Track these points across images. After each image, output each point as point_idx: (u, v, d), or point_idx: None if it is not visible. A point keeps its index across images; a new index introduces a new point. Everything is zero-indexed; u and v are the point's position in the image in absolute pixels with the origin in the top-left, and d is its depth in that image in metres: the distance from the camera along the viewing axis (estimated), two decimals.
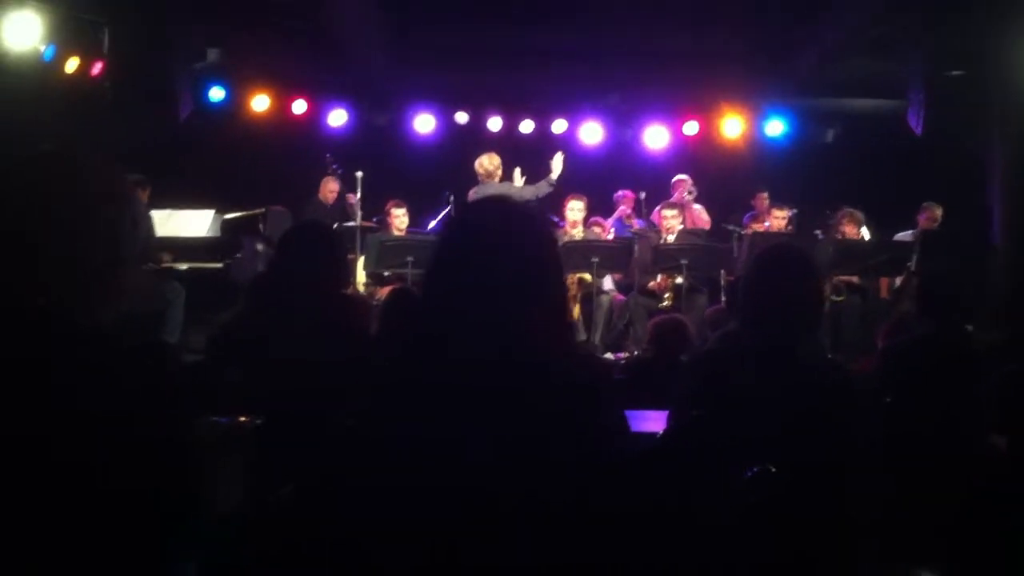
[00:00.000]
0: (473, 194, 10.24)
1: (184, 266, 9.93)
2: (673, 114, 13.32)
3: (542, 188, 10.52)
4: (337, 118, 13.27)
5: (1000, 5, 9.61)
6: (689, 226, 10.91)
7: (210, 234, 10.39)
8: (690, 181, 11.59)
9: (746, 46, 12.45)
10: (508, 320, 2.10)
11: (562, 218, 10.77)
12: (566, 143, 12.99)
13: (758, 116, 13.21)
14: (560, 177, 10.58)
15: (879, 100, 12.67)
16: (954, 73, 10.36)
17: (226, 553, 2.42)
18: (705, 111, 13.23)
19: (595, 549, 2.07)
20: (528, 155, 11.35)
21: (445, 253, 2.23)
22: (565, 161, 10.66)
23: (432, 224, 11.17)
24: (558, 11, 11.86)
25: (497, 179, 10.44)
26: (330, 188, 11.68)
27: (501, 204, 2.37)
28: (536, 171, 10.74)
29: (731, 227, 11.21)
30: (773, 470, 2.91)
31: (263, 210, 10.74)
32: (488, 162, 10.47)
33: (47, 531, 1.79)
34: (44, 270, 1.90)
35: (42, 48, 9.39)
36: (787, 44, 12.17)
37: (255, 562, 2.71)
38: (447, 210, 10.91)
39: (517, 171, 10.75)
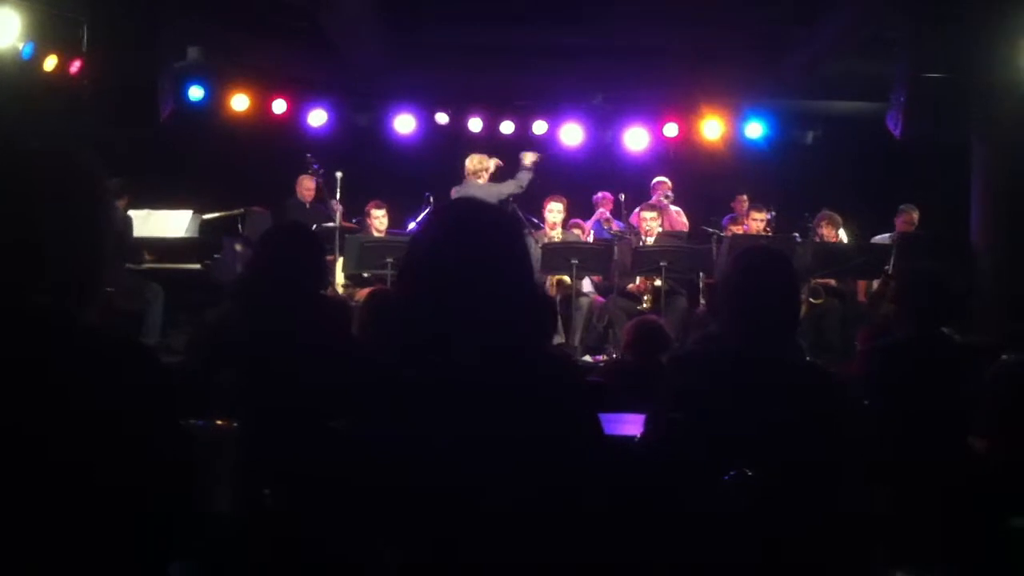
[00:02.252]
0: (454, 192, 10.24)
1: (163, 266, 9.91)
2: (653, 116, 13.34)
3: (523, 177, 10.51)
4: (317, 118, 13.24)
5: (982, 8, 9.65)
6: (667, 228, 10.93)
7: (189, 235, 10.37)
8: (669, 183, 11.60)
9: (729, 48, 12.47)
10: (485, 321, 2.11)
11: (541, 219, 10.78)
12: (547, 144, 13.01)
13: (738, 118, 13.24)
14: (536, 165, 10.60)
15: (859, 103, 12.71)
16: (934, 76, 10.39)
17: (217, 554, 2.41)
18: (685, 113, 13.25)
19: (575, 549, 2.07)
20: (509, 156, 11.35)
21: (419, 255, 2.23)
22: (543, 160, 10.68)
23: (412, 225, 11.16)
24: (541, 11, 11.86)
25: (481, 179, 10.42)
26: (306, 187, 11.64)
27: (472, 204, 2.38)
28: (516, 172, 10.75)
29: (710, 229, 11.25)
30: (749, 474, 2.91)
31: (242, 210, 10.71)
32: (478, 162, 10.47)
33: (39, 529, 1.78)
34: (34, 268, 1.89)
35: (20, 46, 9.36)
36: (768, 47, 12.21)
37: (246, 563, 2.70)
38: (427, 211, 10.88)
39: (495, 162, 10.71)
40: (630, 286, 10.23)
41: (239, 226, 10.59)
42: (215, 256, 9.98)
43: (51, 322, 1.88)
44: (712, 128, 13.16)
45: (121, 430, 1.85)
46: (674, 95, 13.14)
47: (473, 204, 2.36)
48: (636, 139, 13.34)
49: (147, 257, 9.83)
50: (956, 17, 9.77)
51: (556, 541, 2.05)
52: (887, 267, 9.77)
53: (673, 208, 11.51)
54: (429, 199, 10.94)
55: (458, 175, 10.62)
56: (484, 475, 2.02)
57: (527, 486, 2.03)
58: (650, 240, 10.37)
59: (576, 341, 10.09)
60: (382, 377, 2.15)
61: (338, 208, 10.83)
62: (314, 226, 9.74)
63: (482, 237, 2.20)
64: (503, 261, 2.19)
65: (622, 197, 11.48)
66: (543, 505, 2.04)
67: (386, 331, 2.24)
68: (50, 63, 9.87)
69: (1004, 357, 4.72)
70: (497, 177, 10.66)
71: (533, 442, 2.06)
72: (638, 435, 3.42)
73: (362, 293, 9.34)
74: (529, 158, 10.65)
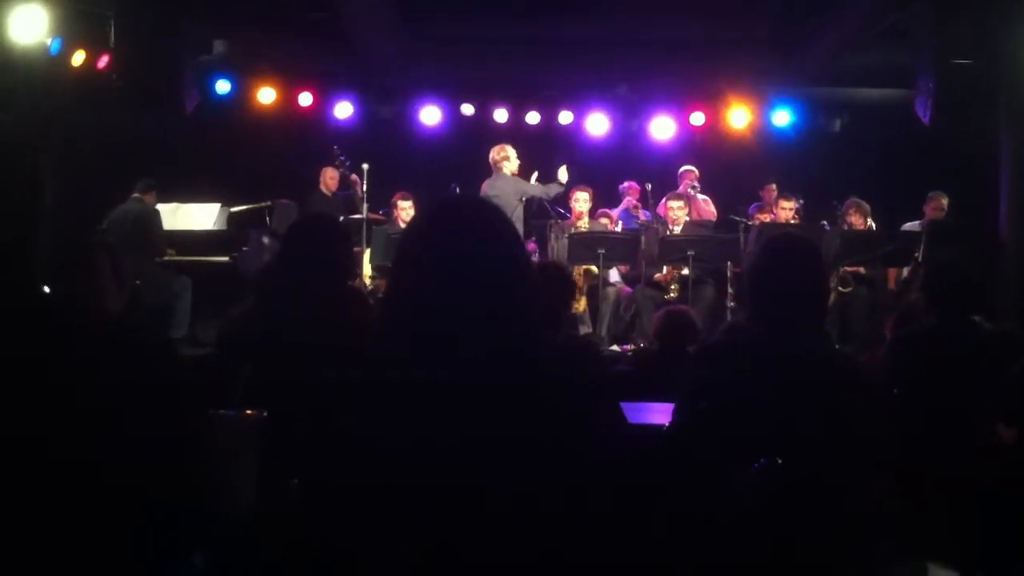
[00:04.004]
0: (485, 186, 10.25)
1: (192, 259, 9.97)
2: (679, 105, 13.28)
3: (552, 188, 10.55)
4: (343, 110, 13.24)
5: None
6: (695, 218, 10.90)
7: (216, 227, 10.43)
8: (695, 173, 11.56)
9: (754, 36, 12.42)
10: (494, 315, 2.10)
11: (568, 210, 10.78)
12: (572, 134, 13.03)
13: (765, 106, 13.16)
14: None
15: (887, 90, 12.63)
16: (962, 62, 10.31)
17: (237, 548, 2.42)
18: (711, 102, 13.18)
19: (598, 543, 2.07)
20: (535, 147, 11.35)
21: (411, 249, 2.22)
22: (572, 155, 10.71)
23: None
24: (564, 1, 11.85)
25: (505, 169, 10.39)
26: (330, 176, 11.67)
27: (461, 198, 2.39)
28: (544, 163, 10.75)
29: (738, 218, 11.20)
30: (780, 462, 2.90)
31: (269, 203, 10.76)
32: (497, 152, 10.45)
33: (54, 527, 1.78)
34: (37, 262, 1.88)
35: (48, 41, 9.41)
36: (795, 34, 12.14)
37: (265, 557, 2.71)
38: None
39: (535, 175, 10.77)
40: (657, 276, 10.21)
41: (267, 219, 10.64)
42: (243, 248, 10.04)
43: (53, 317, 1.87)
44: (739, 117, 13.07)
45: (128, 425, 1.85)
46: (700, 84, 13.06)
47: (463, 198, 2.36)
48: (662, 128, 13.28)
49: (171, 252, 9.90)
50: (981, 3, 9.70)
51: (572, 536, 2.04)
52: (917, 254, 9.72)
53: (700, 197, 11.46)
54: (455, 190, 10.93)
55: (484, 166, 10.61)
56: (492, 472, 2.02)
57: (537, 482, 2.03)
58: (677, 229, 10.33)
59: (603, 331, 10.10)
60: (389, 373, 2.14)
61: (357, 181, 10.83)
62: (341, 218, 9.77)
63: (473, 229, 2.20)
64: (495, 255, 2.18)
65: (648, 187, 11.46)
66: (566, 498, 2.04)
67: (385, 328, 2.21)
68: (78, 58, 9.91)
69: None
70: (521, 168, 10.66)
71: (541, 437, 2.05)
72: (665, 424, 3.41)
73: None
74: (563, 175, 10.69)
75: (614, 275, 10.71)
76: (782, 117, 13.16)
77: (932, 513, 4.14)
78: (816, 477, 2.96)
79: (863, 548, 3.06)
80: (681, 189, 11.19)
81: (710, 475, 3.03)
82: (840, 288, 9.82)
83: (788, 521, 2.92)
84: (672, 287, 10.08)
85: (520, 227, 10.16)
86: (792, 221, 10.72)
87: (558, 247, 10.40)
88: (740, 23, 12.27)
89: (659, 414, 3.88)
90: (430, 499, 2.00)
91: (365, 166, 10.76)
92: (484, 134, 12.30)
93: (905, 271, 10.22)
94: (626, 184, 11.99)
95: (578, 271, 10.27)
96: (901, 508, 3.76)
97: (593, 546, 2.06)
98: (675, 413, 3.35)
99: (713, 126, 13.29)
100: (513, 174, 10.45)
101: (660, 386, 4.33)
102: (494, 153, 10.46)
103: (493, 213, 2.27)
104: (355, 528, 2.05)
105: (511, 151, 10.48)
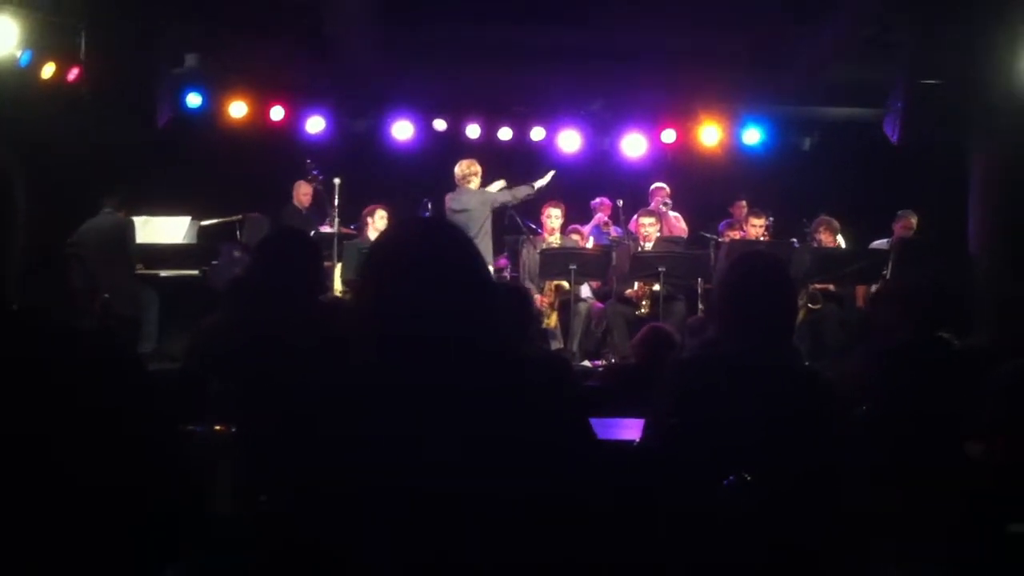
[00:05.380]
0: (449, 199, 10.19)
1: (161, 273, 9.92)
2: (651, 122, 13.32)
3: (521, 191, 10.48)
4: (315, 125, 13.21)
5: (979, 15, 9.67)
6: (666, 234, 10.93)
7: (186, 241, 10.37)
8: (667, 190, 11.60)
9: (725, 54, 12.47)
10: (473, 320, 2.12)
11: (540, 225, 10.79)
12: (544, 150, 13.03)
13: (735, 124, 13.23)
14: (543, 188, 10.66)
15: (856, 108, 12.72)
16: (931, 82, 10.40)
17: (213, 558, 2.41)
18: (683, 119, 13.23)
19: (563, 553, 2.07)
20: (508, 162, 11.35)
21: (394, 259, 2.24)
22: (545, 172, 10.74)
23: None
24: (539, 17, 11.86)
25: (472, 184, 10.31)
26: (303, 191, 11.66)
27: (435, 216, 2.44)
28: (517, 179, 10.74)
29: (708, 235, 11.25)
30: (748, 479, 2.91)
31: (240, 217, 10.71)
32: (467, 167, 10.37)
33: (33, 535, 1.77)
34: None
35: (18, 54, 9.35)
36: (766, 53, 12.21)
37: (242, 567, 2.70)
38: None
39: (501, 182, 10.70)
40: (628, 292, 10.23)
41: (237, 232, 10.59)
42: (213, 262, 9.99)
43: (27, 325, 1.86)
44: (710, 134, 13.14)
45: (105, 434, 1.84)
46: (672, 101, 13.12)
47: (426, 217, 2.42)
48: (634, 145, 13.32)
49: (138, 266, 9.84)
50: (955, 24, 9.78)
51: (544, 544, 2.05)
52: (885, 272, 9.78)
53: (672, 214, 11.52)
54: (427, 205, 10.91)
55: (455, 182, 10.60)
56: (468, 477, 2.03)
57: (513, 488, 2.03)
58: (648, 246, 10.36)
59: (574, 346, 10.10)
60: (370, 378, 2.15)
61: (332, 212, 10.86)
62: (312, 232, 9.74)
63: (447, 239, 2.24)
64: (469, 266, 2.21)
65: (620, 203, 11.48)
66: (531, 508, 2.04)
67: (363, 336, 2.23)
68: (48, 70, 9.86)
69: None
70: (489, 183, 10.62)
71: (517, 444, 2.07)
72: (636, 440, 3.42)
73: None
74: (540, 182, 10.69)
75: (585, 291, 10.72)
76: (752, 135, 13.23)
77: (905, 527, 4.16)
78: (789, 491, 2.97)
79: (835, 561, 3.07)
80: (652, 206, 11.24)
81: (682, 489, 3.03)
82: (810, 305, 9.88)
83: (760, 534, 2.93)
84: (643, 303, 10.10)
85: (489, 241, 10.11)
86: (762, 238, 10.78)
87: (530, 262, 10.41)
88: (713, 42, 12.31)
89: (630, 429, 3.88)
90: (414, 502, 2.01)
91: (337, 180, 10.74)
92: (456, 149, 12.29)
93: (873, 289, 10.28)
94: (598, 200, 12.01)
95: (549, 287, 10.29)
96: (873, 521, 3.78)
97: (579, 547, 2.07)
98: (646, 427, 3.36)
99: (684, 143, 13.35)
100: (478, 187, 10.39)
101: (634, 402, 4.33)
102: (464, 167, 10.33)
103: (456, 229, 2.32)
104: (338, 533, 2.05)
105: (479, 167, 10.42)
